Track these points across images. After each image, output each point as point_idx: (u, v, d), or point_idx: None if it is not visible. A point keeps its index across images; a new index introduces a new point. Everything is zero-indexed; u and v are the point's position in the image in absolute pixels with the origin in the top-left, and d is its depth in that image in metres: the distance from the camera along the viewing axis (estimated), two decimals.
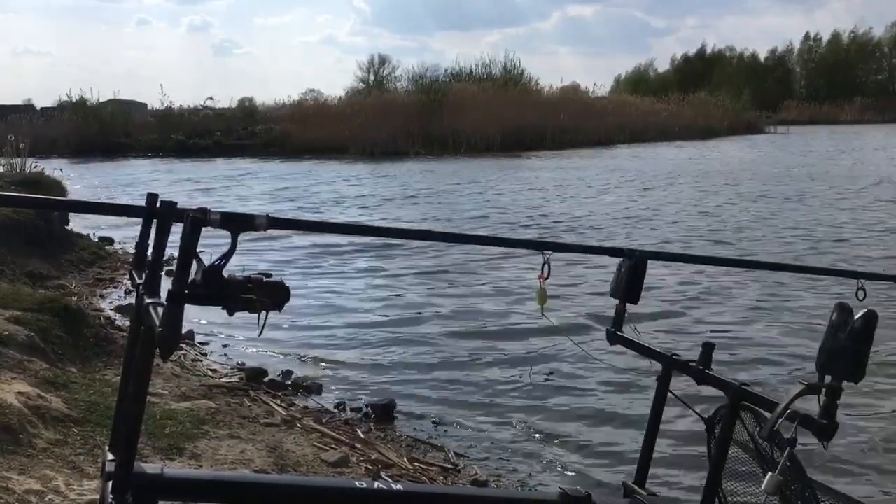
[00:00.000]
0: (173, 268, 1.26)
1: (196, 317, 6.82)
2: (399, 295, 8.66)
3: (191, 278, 1.26)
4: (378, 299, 8.52)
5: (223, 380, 5.64)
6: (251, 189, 20.35)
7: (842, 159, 27.07)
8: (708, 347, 1.85)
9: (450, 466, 4.42)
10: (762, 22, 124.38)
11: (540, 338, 6.86)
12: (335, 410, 5.24)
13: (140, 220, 1.61)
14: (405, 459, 4.36)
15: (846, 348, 1.51)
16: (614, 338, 2.06)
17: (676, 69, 77.29)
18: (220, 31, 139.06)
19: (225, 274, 1.28)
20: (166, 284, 1.29)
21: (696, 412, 1.93)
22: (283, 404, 5.17)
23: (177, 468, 3.19)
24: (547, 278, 2.05)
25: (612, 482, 4.09)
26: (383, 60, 55.92)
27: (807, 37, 77.93)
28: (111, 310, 7.61)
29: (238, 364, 6.10)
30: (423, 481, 4.04)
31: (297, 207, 16.40)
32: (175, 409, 4.31)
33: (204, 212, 1.29)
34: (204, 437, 3.95)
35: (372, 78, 53.22)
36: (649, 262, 2.04)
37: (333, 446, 4.31)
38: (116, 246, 11.33)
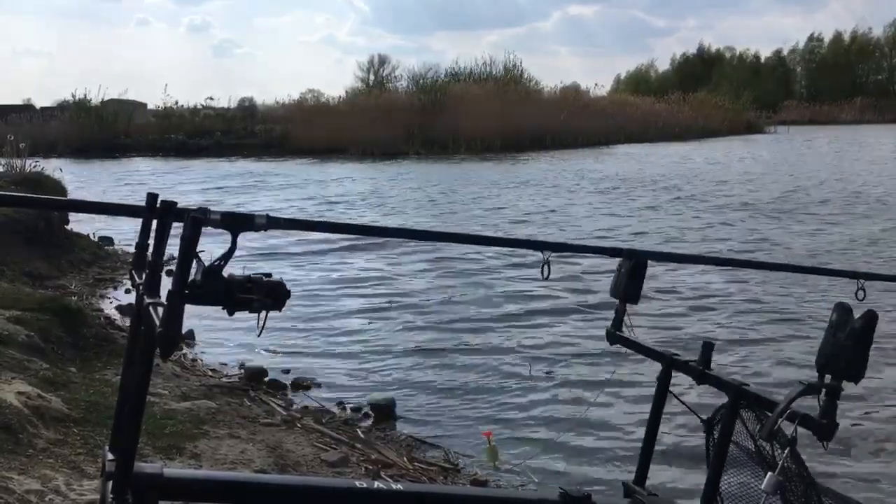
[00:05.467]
0: (173, 267, 1.26)
1: (196, 316, 6.82)
2: (399, 295, 8.66)
3: (191, 278, 1.26)
4: (378, 299, 8.51)
5: (223, 379, 5.65)
6: (251, 189, 20.35)
7: (842, 159, 27.08)
8: (708, 347, 1.84)
9: (450, 466, 4.42)
10: (762, 22, 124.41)
11: (540, 338, 6.87)
12: (335, 410, 5.25)
13: (140, 219, 1.61)
14: (405, 459, 4.36)
15: (846, 348, 1.51)
16: (614, 338, 2.06)
17: (677, 69, 77.37)
18: (219, 31, 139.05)
19: (225, 273, 1.28)
20: (166, 284, 1.29)
21: (695, 413, 1.93)
22: (282, 404, 5.17)
23: (177, 468, 3.19)
24: (547, 277, 2.05)
25: (612, 482, 4.09)
26: (383, 60, 56.15)
27: (810, 38, 78.11)
28: (111, 309, 7.61)
29: (238, 364, 6.10)
30: (422, 481, 4.04)
31: (297, 207, 16.40)
32: (175, 409, 4.31)
33: (204, 211, 1.29)
34: (204, 436, 3.95)
35: (372, 78, 53.35)
36: (649, 262, 2.04)
37: (333, 446, 4.31)
38: (116, 246, 11.33)
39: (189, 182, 22.03)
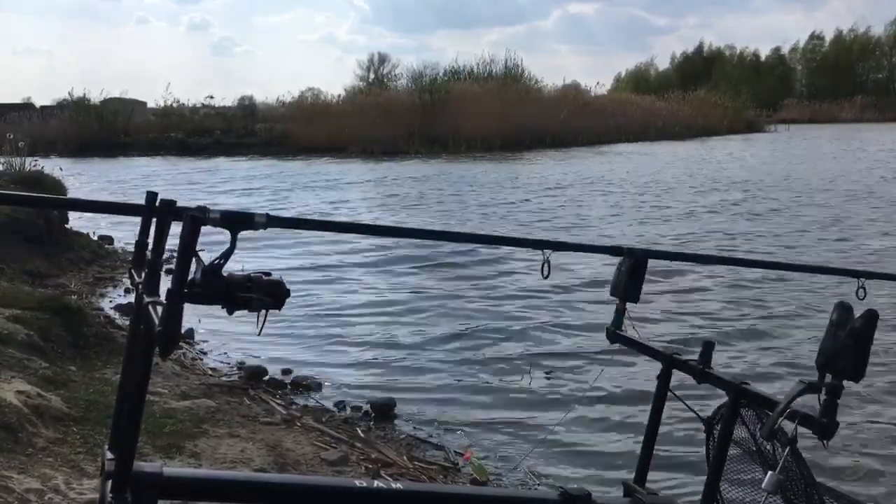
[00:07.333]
0: (173, 266, 1.26)
1: (195, 315, 6.82)
2: (399, 294, 8.66)
3: (190, 277, 1.26)
4: (378, 298, 8.52)
5: (223, 378, 5.65)
6: (252, 189, 20.36)
7: (843, 158, 27.09)
8: (708, 346, 1.84)
9: (450, 465, 4.42)
10: (763, 20, 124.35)
11: (540, 337, 6.86)
12: (335, 409, 5.24)
13: (139, 218, 1.61)
14: (405, 458, 4.36)
15: (846, 347, 1.51)
16: (614, 336, 2.05)
17: (677, 68, 77.31)
18: (219, 30, 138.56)
19: (224, 272, 1.27)
20: (166, 283, 1.29)
21: (695, 412, 1.93)
22: (282, 403, 5.17)
23: (176, 467, 3.19)
24: (547, 276, 2.05)
25: (612, 481, 4.09)
26: (383, 59, 56.24)
27: (811, 36, 78.08)
28: (111, 308, 7.61)
29: (238, 363, 6.10)
30: (422, 480, 4.04)
31: (298, 206, 16.39)
32: (175, 408, 4.32)
33: (203, 210, 1.29)
34: (203, 435, 3.95)
35: (372, 76, 53.37)
36: (650, 260, 2.04)
37: (333, 445, 4.31)
38: (116, 245, 11.33)
39: (190, 181, 22.00)
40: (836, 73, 70.17)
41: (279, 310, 1.30)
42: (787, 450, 1.54)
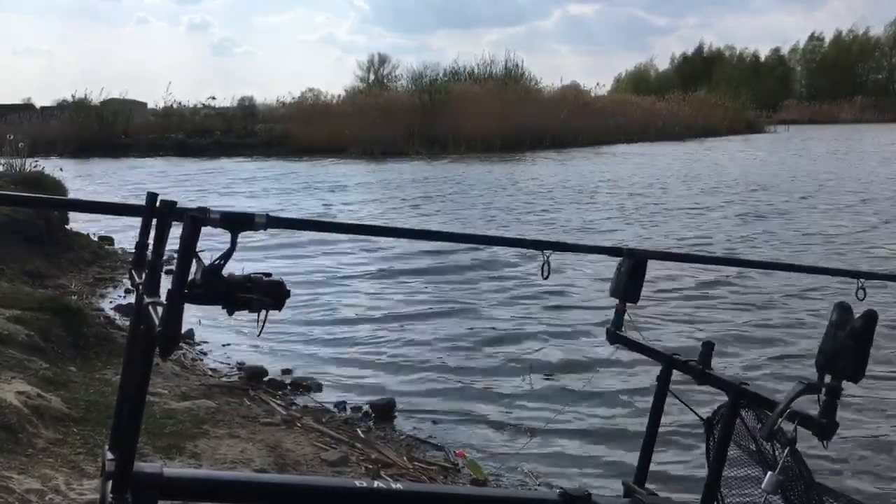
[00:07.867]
0: (173, 267, 1.26)
1: (196, 316, 6.83)
2: (399, 294, 8.66)
3: (190, 278, 1.26)
4: (378, 299, 8.52)
5: (223, 379, 5.65)
6: (252, 189, 20.36)
7: (844, 159, 27.09)
8: (708, 347, 1.84)
9: (450, 466, 4.42)
10: (763, 20, 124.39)
11: (540, 338, 6.86)
12: (335, 410, 5.24)
13: (140, 219, 1.61)
14: (405, 459, 4.36)
15: (846, 348, 1.51)
16: (614, 337, 2.05)
17: (677, 68, 77.32)
18: (219, 30, 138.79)
19: (225, 273, 1.27)
20: (166, 284, 1.29)
21: (695, 412, 1.93)
22: (282, 404, 5.17)
23: (176, 467, 3.19)
24: (547, 277, 2.05)
25: (612, 482, 4.09)
26: (383, 59, 56.25)
27: (811, 37, 78.10)
28: (111, 309, 7.61)
29: (238, 363, 6.10)
30: (422, 480, 4.04)
31: (299, 207, 16.39)
32: (175, 409, 4.32)
33: (203, 211, 1.29)
34: (204, 436, 3.96)
35: (372, 77, 53.38)
36: (649, 261, 2.04)
37: (333, 445, 4.31)
38: (116, 245, 11.33)
39: (190, 182, 21.99)
40: (835, 73, 70.15)
41: (279, 310, 1.30)
42: (786, 450, 1.54)
